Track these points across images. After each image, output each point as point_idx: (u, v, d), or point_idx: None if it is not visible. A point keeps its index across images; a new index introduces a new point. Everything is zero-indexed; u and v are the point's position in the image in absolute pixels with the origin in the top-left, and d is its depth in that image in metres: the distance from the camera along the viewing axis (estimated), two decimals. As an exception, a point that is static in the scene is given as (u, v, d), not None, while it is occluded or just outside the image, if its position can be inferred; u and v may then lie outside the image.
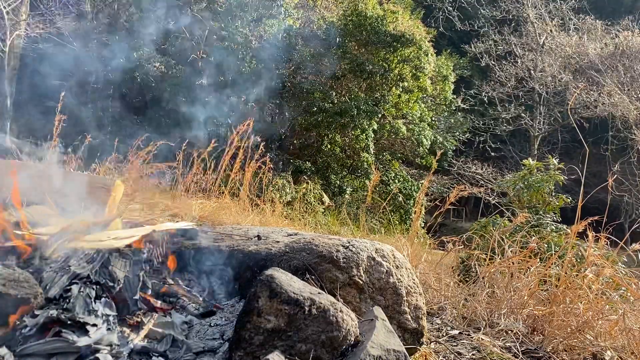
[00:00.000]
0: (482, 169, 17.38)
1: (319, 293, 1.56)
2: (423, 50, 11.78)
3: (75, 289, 1.52)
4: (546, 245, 3.31)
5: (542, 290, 2.59)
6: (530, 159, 4.99)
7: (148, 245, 1.89)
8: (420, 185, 12.09)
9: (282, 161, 11.06)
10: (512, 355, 2.02)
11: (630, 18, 17.22)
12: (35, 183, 2.42)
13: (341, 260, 1.85)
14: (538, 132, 18.82)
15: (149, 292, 1.75)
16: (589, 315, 2.22)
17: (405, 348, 1.51)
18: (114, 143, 4.93)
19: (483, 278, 2.79)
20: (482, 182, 16.32)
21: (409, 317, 1.90)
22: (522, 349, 2.09)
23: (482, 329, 2.31)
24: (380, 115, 11.85)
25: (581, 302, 2.29)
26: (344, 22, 11.81)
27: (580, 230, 2.58)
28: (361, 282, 1.85)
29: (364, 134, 11.37)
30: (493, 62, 18.93)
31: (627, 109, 14.80)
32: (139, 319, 1.60)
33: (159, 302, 1.75)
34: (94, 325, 1.44)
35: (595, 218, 2.56)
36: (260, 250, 2.05)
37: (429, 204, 9.08)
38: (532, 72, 18.47)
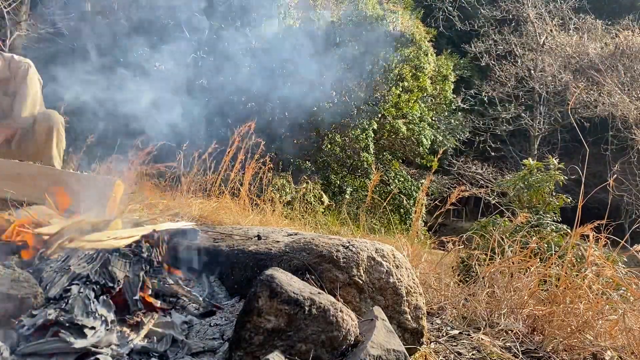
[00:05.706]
0: (482, 169, 17.37)
1: (319, 293, 1.56)
2: (423, 50, 11.79)
3: (75, 289, 1.52)
4: (546, 245, 3.31)
5: (542, 290, 2.59)
6: (530, 159, 4.99)
7: (148, 245, 1.89)
8: (420, 185, 12.10)
9: (282, 161, 11.05)
10: (512, 355, 2.02)
11: (630, 18, 17.20)
12: (35, 183, 2.42)
13: (341, 260, 1.85)
14: (538, 132, 18.81)
15: (149, 292, 1.75)
16: (589, 315, 2.21)
17: (405, 348, 1.51)
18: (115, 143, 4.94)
19: (483, 278, 2.79)
20: (482, 182, 16.31)
21: (409, 317, 1.90)
22: (522, 349, 2.09)
23: (482, 329, 2.31)
24: (380, 115, 11.85)
25: (581, 302, 2.28)
26: (344, 22, 11.81)
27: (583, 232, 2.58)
28: (361, 282, 1.85)
29: (364, 134, 11.36)
30: (493, 62, 18.90)
31: (627, 109, 14.78)
32: (138, 319, 1.59)
33: (159, 302, 1.75)
34: (92, 327, 1.44)
35: (597, 223, 2.56)
36: (260, 250, 2.05)
37: (429, 202, 9.08)
38: (532, 72, 18.46)
